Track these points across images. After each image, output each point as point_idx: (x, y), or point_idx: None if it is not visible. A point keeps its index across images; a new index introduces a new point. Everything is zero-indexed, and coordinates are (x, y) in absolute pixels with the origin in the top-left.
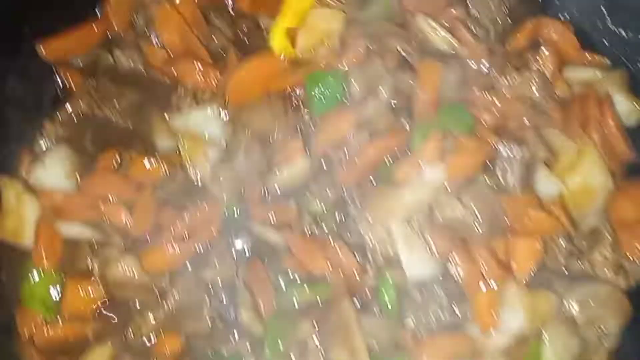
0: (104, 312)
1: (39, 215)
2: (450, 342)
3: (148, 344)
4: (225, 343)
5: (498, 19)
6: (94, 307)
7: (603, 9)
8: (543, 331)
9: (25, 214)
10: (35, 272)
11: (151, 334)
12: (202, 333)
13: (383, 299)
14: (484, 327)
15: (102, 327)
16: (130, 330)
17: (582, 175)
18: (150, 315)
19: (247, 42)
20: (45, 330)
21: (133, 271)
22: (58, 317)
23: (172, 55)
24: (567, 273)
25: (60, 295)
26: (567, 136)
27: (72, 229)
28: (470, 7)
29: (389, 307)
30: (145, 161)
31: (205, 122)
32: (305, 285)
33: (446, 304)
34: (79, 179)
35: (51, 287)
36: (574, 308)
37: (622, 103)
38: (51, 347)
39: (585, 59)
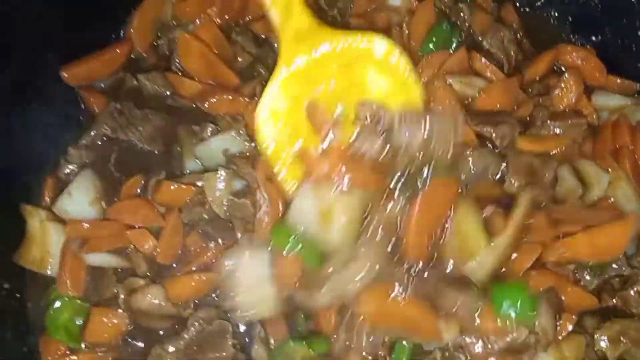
0: (128, 339)
1: (63, 244)
2: None
3: None
4: None
5: (512, 52)
6: (118, 335)
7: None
8: None
9: (49, 242)
10: (59, 300)
11: None
12: None
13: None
14: None
15: (126, 354)
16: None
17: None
18: (171, 346)
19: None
20: (69, 358)
21: (158, 300)
22: (82, 344)
23: (198, 82)
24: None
25: (84, 323)
26: (599, 165)
27: (98, 258)
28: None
29: None
30: (171, 186)
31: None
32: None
33: None
34: (104, 206)
35: (75, 315)
36: (605, 345)
37: None
38: None
39: (614, 85)
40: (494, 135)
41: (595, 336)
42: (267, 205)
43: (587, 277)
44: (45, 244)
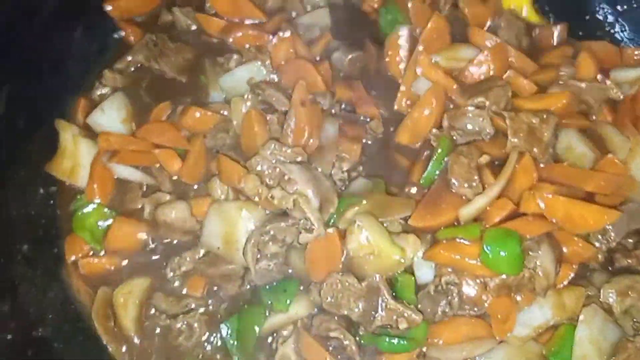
0: (147, 249)
1: (94, 157)
2: (468, 325)
3: (178, 284)
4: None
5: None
6: (137, 245)
7: None
8: (581, 321)
9: (80, 155)
10: (87, 206)
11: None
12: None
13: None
14: (500, 333)
15: (144, 263)
16: (169, 269)
17: (634, 170)
18: (189, 256)
19: None
20: (89, 259)
21: (183, 214)
22: (104, 249)
23: (226, 22)
24: (610, 268)
25: (107, 229)
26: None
27: (125, 171)
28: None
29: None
30: (196, 112)
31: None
32: None
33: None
34: (133, 127)
35: (101, 220)
36: (612, 298)
37: None
38: (93, 275)
39: (631, 59)
40: (487, 103)
41: (603, 289)
42: (293, 126)
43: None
44: (76, 156)
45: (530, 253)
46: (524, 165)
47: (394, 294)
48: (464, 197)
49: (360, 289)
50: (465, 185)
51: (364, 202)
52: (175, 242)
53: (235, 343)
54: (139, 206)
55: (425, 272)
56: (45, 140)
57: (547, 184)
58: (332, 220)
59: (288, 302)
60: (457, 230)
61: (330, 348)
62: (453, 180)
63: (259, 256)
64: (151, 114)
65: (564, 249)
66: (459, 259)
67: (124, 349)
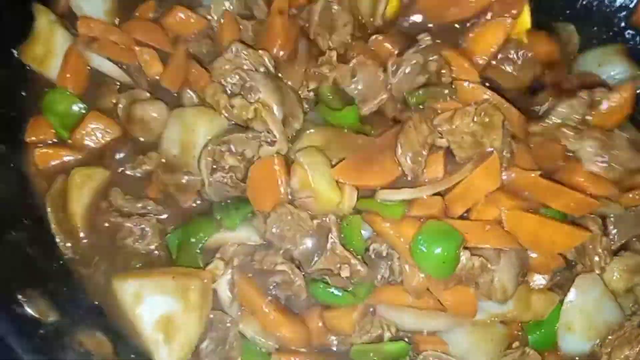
0: (115, 145)
1: (70, 45)
2: None
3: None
4: None
5: None
6: (105, 142)
7: None
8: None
9: (54, 43)
10: (58, 93)
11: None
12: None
13: None
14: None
15: (107, 158)
16: (130, 165)
17: None
18: (153, 157)
19: None
20: (46, 150)
21: (158, 114)
22: (69, 139)
23: None
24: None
25: (78, 121)
26: None
27: (103, 63)
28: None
29: None
30: (180, 13)
31: None
32: None
33: None
34: (117, 22)
35: (71, 109)
36: (617, 275)
37: None
38: (49, 167)
39: None
40: None
41: (609, 266)
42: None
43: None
44: (50, 44)
45: (489, 266)
46: (489, 167)
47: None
48: (399, 169)
49: (309, 226)
50: (409, 157)
51: (312, 131)
52: (142, 140)
53: (177, 253)
54: (114, 101)
55: (364, 233)
56: (18, 23)
57: (507, 195)
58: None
59: (238, 220)
60: (376, 205)
61: (272, 286)
62: (400, 143)
63: (214, 166)
64: (136, 10)
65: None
66: (393, 236)
67: (67, 243)
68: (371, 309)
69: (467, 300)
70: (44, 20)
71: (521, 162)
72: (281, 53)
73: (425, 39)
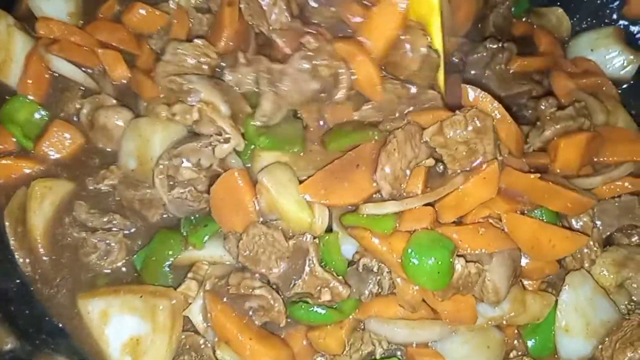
0: (78, 155)
1: (30, 49)
2: None
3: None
4: None
5: None
6: (71, 151)
7: None
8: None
9: (13, 49)
10: (18, 101)
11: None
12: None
13: None
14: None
15: (71, 170)
16: (92, 179)
17: None
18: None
19: None
20: (11, 159)
21: (123, 123)
22: (32, 148)
23: None
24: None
25: (41, 131)
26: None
27: (64, 66)
28: None
29: None
30: (140, 9)
31: None
32: None
33: None
34: (80, 24)
35: (33, 118)
36: (603, 272)
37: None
38: (12, 178)
39: None
40: None
41: (598, 260)
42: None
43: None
44: (9, 49)
45: (479, 265)
46: (488, 176)
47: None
48: (375, 185)
49: (285, 248)
50: (388, 179)
51: (265, 140)
52: (109, 150)
53: (143, 270)
54: (77, 106)
55: (349, 249)
56: None
57: (502, 198)
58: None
59: (205, 238)
60: (365, 221)
61: (250, 312)
62: (381, 165)
63: (171, 183)
64: (99, 10)
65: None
66: (383, 252)
67: (27, 260)
68: (361, 325)
69: (466, 307)
70: (1, 25)
71: (512, 164)
72: (230, 44)
73: (310, 42)
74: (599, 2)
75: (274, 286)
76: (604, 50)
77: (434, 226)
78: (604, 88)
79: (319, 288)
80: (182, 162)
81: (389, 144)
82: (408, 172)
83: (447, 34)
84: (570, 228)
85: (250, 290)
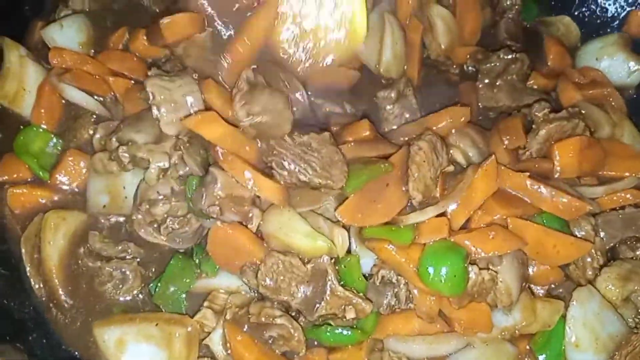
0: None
1: (43, 79)
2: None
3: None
4: None
5: None
6: (85, 178)
7: None
8: (573, 300)
9: (26, 79)
10: (32, 130)
11: None
12: None
13: None
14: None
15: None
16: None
17: None
18: None
19: None
20: (19, 189)
21: None
22: (49, 179)
23: None
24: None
25: (57, 160)
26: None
27: (77, 94)
28: None
29: None
30: (144, 36)
31: None
32: None
33: None
34: (92, 54)
35: (47, 147)
36: (611, 284)
37: None
38: (28, 208)
39: None
40: None
41: (603, 275)
42: None
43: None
44: (22, 80)
45: (491, 267)
46: (489, 169)
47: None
48: (405, 200)
49: (304, 272)
50: (420, 190)
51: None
52: None
53: (157, 295)
54: (90, 132)
55: (367, 262)
56: None
57: (499, 203)
58: None
59: (217, 266)
60: (386, 232)
61: (270, 341)
62: (411, 177)
63: (155, 226)
64: (110, 39)
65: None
66: (401, 262)
67: (43, 288)
68: (378, 345)
69: (482, 315)
70: (14, 55)
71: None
72: None
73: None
74: (598, 22)
75: (296, 313)
76: (609, 59)
77: (448, 235)
78: (610, 99)
79: (342, 307)
80: (147, 205)
81: (417, 156)
82: (437, 181)
83: (458, 45)
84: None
85: (271, 319)
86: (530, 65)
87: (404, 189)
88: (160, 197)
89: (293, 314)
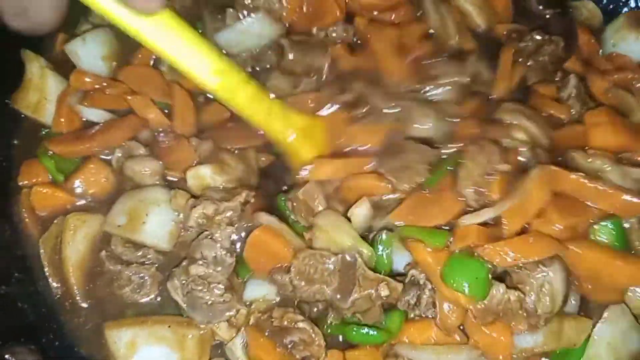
0: (107, 198)
1: (62, 92)
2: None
3: None
4: None
5: None
6: (103, 189)
7: None
8: (604, 318)
9: (47, 89)
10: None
11: None
12: None
13: None
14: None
15: (107, 204)
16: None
17: None
18: None
19: None
20: (43, 189)
21: (151, 177)
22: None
23: None
24: None
25: (76, 167)
26: None
27: (96, 114)
28: None
29: None
30: None
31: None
32: None
33: None
34: (114, 66)
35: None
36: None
37: None
38: (44, 208)
39: None
40: None
41: (630, 292)
42: None
43: None
44: (43, 90)
45: (541, 267)
46: (544, 175)
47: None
48: (464, 202)
49: (334, 261)
50: (471, 191)
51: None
52: None
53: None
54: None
55: (401, 260)
56: (10, 71)
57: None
58: None
59: (247, 275)
60: (422, 233)
61: (290, 346)
62: (460, 178)
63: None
64: (135, 55)
65: None
66: (431, 264)
67: (60, 287)
68: (392, 351)
69: (504, 338)
70: (35, 66)
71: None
72: None
73: None
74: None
75: (324, 308)
76: (623, 42)
77: (482, 242)
78: (636, 84)
79: (375, 287)
80: (188, 261)
81: (467, 158)
82: (488, 181)
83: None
84: None
85: (293, 323)
86: (565, 49)
87: (457, 192)
88: (201, 260)
89: (321, 308)
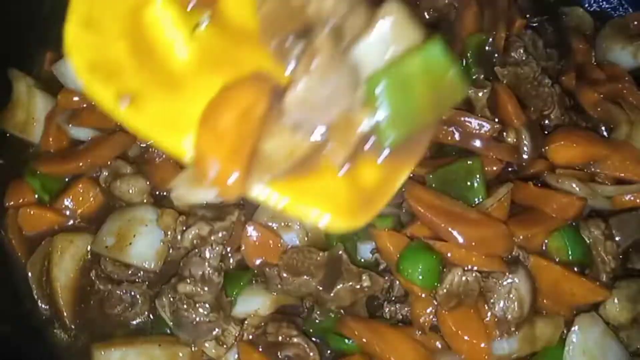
0: (95, 216)
1: (49, 112)
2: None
3: None
4: None
5: None
6: (94, 205)
7: None
8: (575, 326)
9: (35, 108)
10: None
11: None
12: None
13: None
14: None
15: (95, 222)
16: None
17: None
18: None
19: None
20: (32, 209)
21: (138, 196)
22: (52, 204)
23: None
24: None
25: (64, 186)
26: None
27: (83, 133)
28: None
29: None
30: None
31: None
32: None
33: None
34: None
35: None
36: (617, 308)
37: None
38: (36, 230)
39: None
40: None
41: (612, 298)
42: None
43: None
44: (30, 109)
45: (507, 274)
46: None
47: None
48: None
49: (320, 256)
50: None
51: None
52: None
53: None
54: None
55: (367, 248)
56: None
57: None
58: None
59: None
60: (376, 220)
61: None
62: None
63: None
64: None
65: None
66: (389, 249)
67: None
68: None
69: (472, 321)
70: (22, 85)
71: None
72: None
73: None
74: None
75: (312, 302)
76: (610, 51)
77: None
78: (628, 95)
79: (357, 278)
80: (176, 279)
81: None
82: None
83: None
84: None
85: (288, 338)
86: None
87: None
88: (189, 278)
89: (308, 304)
